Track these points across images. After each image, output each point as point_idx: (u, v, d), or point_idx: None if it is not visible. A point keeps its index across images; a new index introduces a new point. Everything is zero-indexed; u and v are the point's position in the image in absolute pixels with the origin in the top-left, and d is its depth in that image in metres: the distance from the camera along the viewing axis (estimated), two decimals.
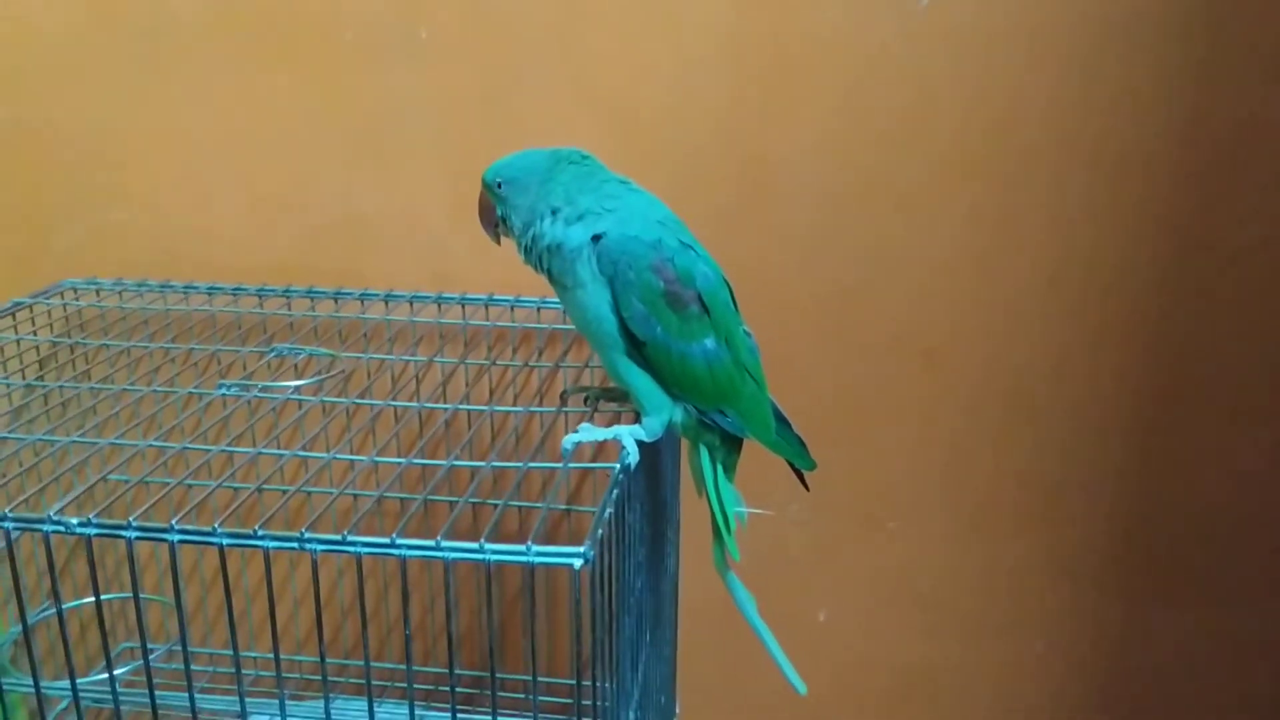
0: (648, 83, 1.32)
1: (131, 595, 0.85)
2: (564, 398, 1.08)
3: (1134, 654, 1.46)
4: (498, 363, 1.25)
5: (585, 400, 1.08)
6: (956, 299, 1.35)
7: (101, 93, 1.40)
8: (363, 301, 1.39)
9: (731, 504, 1.03)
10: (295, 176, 1.41)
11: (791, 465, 1.06)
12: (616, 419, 1.06)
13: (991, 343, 1.36)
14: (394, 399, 1.15)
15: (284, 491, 0.90)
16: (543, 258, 0.94)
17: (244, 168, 1.41)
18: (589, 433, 0.95)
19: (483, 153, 1.36)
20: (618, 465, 0.92)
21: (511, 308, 1.37)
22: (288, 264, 1.43)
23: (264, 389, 1.12)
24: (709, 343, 0.94)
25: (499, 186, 0.97)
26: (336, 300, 1.39)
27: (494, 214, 1.00)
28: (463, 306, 1.38)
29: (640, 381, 0.95)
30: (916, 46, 1.27)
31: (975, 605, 1.46)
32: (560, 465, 0.93)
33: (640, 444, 0.96)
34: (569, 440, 0.94)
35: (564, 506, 1.43)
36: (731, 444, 1.02)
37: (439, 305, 1.38)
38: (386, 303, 1.39)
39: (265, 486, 0.96)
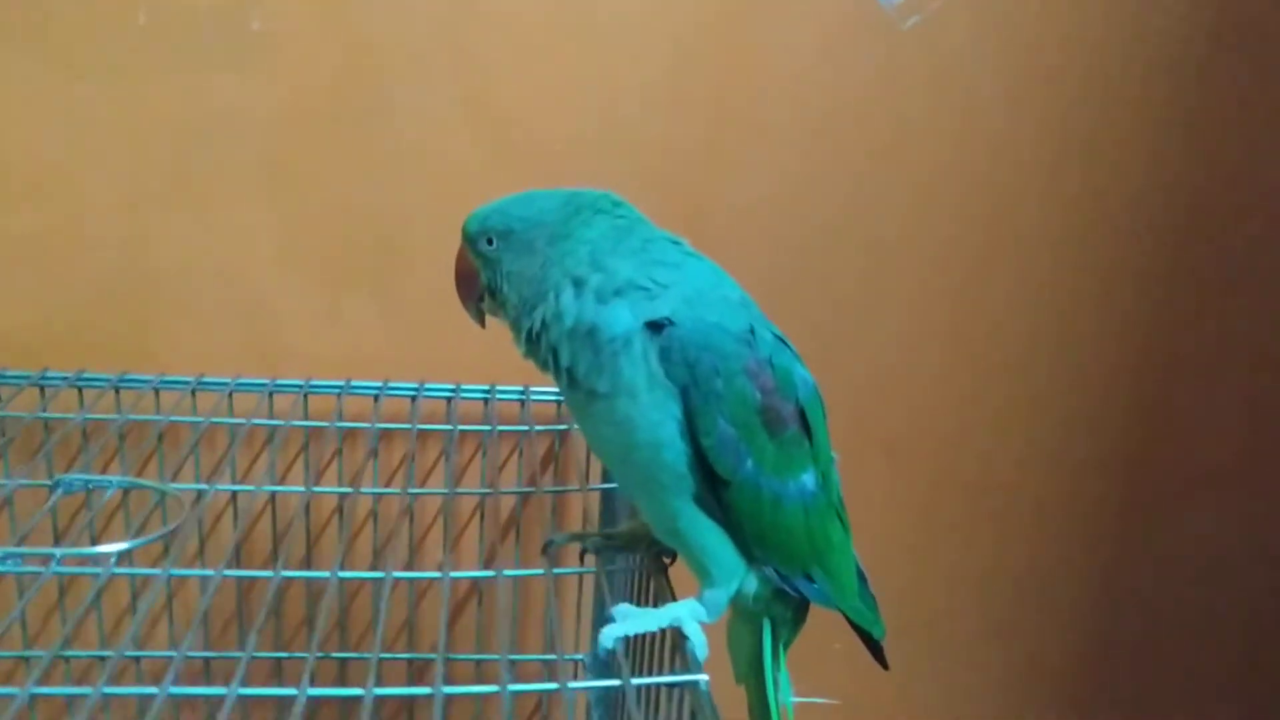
0: (565, 110, 1.02)
1: None
2: (548, 550, 0.75)
3: None
4: (409, 491, 0.89)
5: (581, 553, 0.75)
6: (915, 385, 1.14)
7: None
8: (158, 394, 0.99)
9: (786, 693, 0.74)
10: (56, 215, 0.99)
11: (862, 635, 0.78)
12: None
13: (953, 432, 1.16)
14: (280, 565, 0.76)
15: None
16: (558, 349, 0.63)
17: None
18: (636, 620, 0.63)
19: (334, 190, 1.02)
20: (700, 679, 0.60)
21: (376, 397, 1.02)
22: (43, 338, 1.00)
23: (66, 558, 0.71)
24: (808, 479, 0.65)
25: (489, 242, 0.65)
26: (118, 391, 0.98)
27: (477, 282, 0.68)
28: (305, 397, 1.01)
29: (710, 539, 0.65)
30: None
31: None
32: (617, 682, 0.59)
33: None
34: (609, 636, 0.62)
35: None
36: (801, 615, 0.74)
37: (271, 396, 1.01)
38: (194, 394, 0.99)
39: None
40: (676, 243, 0.66)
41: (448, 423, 1.00)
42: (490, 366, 1.03)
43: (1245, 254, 1.14)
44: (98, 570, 0.68)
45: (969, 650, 1.23)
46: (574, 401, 0.65)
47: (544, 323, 0.63)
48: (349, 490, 0.92)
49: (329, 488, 0.97)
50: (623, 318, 0.61)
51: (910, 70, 1.05)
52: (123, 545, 0.69)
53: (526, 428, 0.98)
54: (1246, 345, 1.17)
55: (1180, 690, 1.27)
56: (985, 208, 1.09)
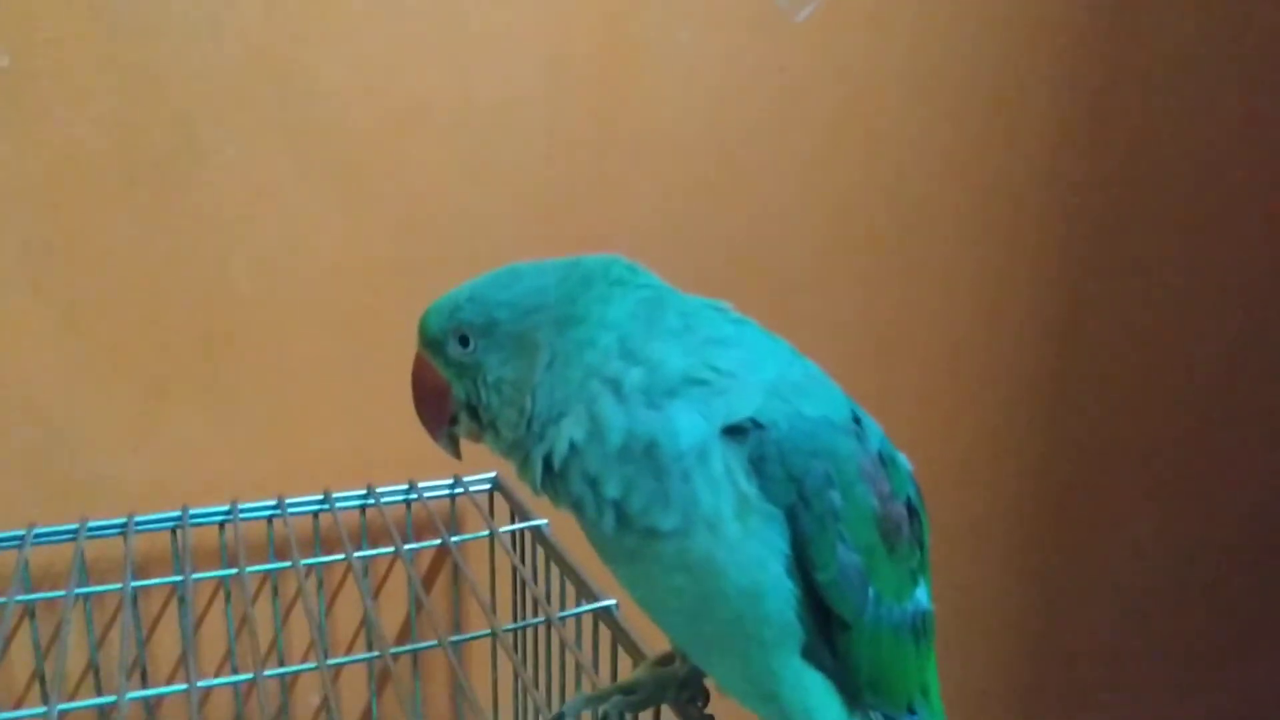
0: (423, 136, 0.84)
1: None
2: None
3: None
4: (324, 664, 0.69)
5: (603, 718, 0.57)
6: None
7: None
8: None
9: None
10: None
11: None
12: None
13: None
14: None
15: None
16: (601, 478, 0.45)
17: None
18: None
19: (131, 270, 0.79)
20: None
21: (222, 525, 0.80)
22: None
23: None
24: (922, 596, 0.52)
25: (463, 343, 0.47)
26: None
27: (448, 401, 0.49)
28: (126, 539, 0.77)
29: (815, 698, 0.49)
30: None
31: None
32: None
33: None
34: None
35: None
36: None
37: (80, 545, 0.76)
38: None
39: None
40: (720, 309, 0.50)
41: (316, 549, 0.81)
42: (364, 464, 0.84)
43: (1163, 232, 1.12)
44: None
45: None
46: (621, 545, 0.46)
47: (573, 445, 0.45)
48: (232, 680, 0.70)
49: (208, 682, 0.75)
50: (691, 424, 0.44)
51: (808, 70, 0.93)
52: None
53: (440, 540, 0.79)
54: (1175, 340, 1.16)
55: (1114, 680, 1.24)
56: (899, 215, 1.00)
